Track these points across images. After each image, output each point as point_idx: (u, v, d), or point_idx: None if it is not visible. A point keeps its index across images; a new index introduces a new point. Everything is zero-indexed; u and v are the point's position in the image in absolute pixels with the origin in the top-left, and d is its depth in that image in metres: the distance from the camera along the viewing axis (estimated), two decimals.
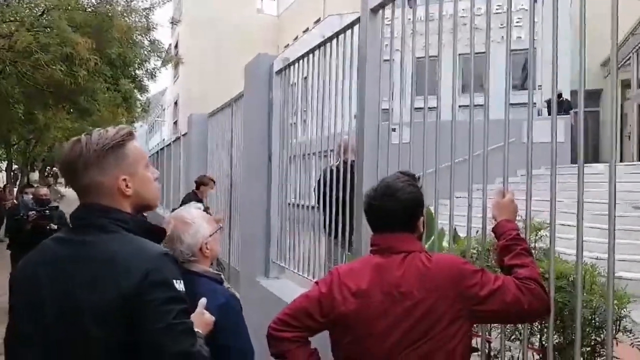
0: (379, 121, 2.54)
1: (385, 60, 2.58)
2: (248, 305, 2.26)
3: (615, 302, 1.83)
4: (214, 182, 5.98)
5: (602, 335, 1.80)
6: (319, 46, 3.22)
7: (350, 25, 2.78)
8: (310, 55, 3.35)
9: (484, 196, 1.89)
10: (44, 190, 6.02)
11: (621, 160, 12.48)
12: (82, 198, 1.34)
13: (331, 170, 3.07)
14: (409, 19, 2.38)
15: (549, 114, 10.33)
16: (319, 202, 3.27)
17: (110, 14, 8.77)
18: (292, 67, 3.71)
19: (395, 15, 2.53)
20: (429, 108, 2.25)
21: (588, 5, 1.61)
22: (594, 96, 15.24)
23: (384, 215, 1.58)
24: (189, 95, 29.28)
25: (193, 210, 2.01)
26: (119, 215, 1.31)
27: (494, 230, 1.71)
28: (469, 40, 1.97)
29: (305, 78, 3.53)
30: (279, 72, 3.88)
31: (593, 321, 1.81)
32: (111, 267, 1.21)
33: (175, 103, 33.40)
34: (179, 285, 1.26)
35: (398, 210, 1.56)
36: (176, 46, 29.51)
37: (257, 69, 4.07)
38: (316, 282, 1.69)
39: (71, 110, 12.08)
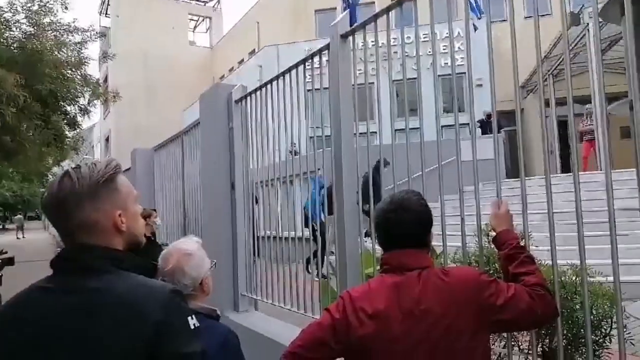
0: (356, 141, 2.56)
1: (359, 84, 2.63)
2: None
3: (606, 302, 1.92)
4: (155, 212, 5.98)
5: (598, 333, 1.88)
6: (282, 74, 3.22)
7: (318, 52, 2.81)
8: (273, 83, 3.34)
9: (460, 204, 2.01)
10: None
11: None
12: (71, 238, 1.17)
13: None
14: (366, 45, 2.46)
15: (483, 134, 11.01)
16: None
17: (39, 49, 8.32)
18: (252, 96, 3.68)
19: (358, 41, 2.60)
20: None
21: (505, 36, 1.87)
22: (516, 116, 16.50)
23: (398, 227, 1.55)
24: (121, 130, 28.14)
25: (192, 243, 1.91)
26: (116, 254, 1.19)
27: (494, 240, 1.75)
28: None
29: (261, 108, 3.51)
30: (239, 100, 3.83)
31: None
32: (122, 315, 1.08)
33: (107, 139, 31.97)
34: (193, 322, 1.17)
35: (413, 222, 1.55)
36: (105, 80, 28.36)
37: (215, 98, 4.00)
38: (326, 309, 1.62)
39: None
